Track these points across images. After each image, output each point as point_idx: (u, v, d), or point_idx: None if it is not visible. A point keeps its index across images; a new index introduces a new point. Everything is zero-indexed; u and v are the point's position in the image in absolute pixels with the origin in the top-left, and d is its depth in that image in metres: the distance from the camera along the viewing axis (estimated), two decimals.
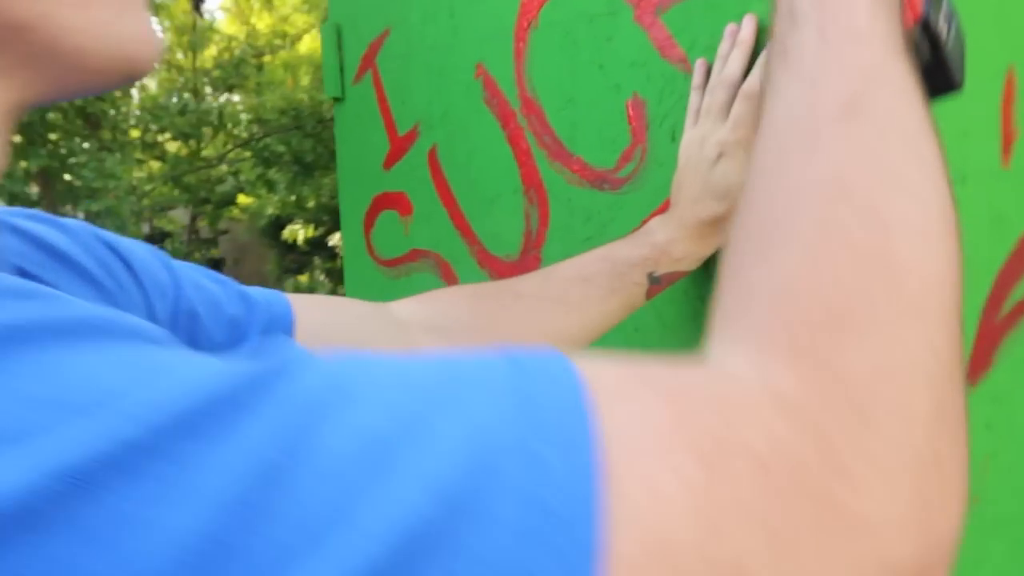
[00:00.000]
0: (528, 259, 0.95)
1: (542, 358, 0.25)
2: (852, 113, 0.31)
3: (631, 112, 0.80)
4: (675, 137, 0.75)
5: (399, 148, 1.14)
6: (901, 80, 0.33)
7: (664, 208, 0.74)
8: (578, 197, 0.87)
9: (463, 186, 1.03)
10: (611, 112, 0.81)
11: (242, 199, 2.89)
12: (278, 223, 3.01)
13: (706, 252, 0.70)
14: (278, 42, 2.59)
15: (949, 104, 0.70)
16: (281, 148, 2.33)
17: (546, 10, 0.87)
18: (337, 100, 1.26)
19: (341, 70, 1.25)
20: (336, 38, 1.23)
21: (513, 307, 0.67)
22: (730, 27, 0.67)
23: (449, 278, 1.07)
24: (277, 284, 3.19)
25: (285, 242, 2.97)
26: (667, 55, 0.76)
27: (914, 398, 0.26)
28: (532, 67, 0.90)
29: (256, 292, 0.59)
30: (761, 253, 0.30)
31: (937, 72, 0.46)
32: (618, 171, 0.82)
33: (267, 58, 2.39)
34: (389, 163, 1.17)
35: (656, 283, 0.69)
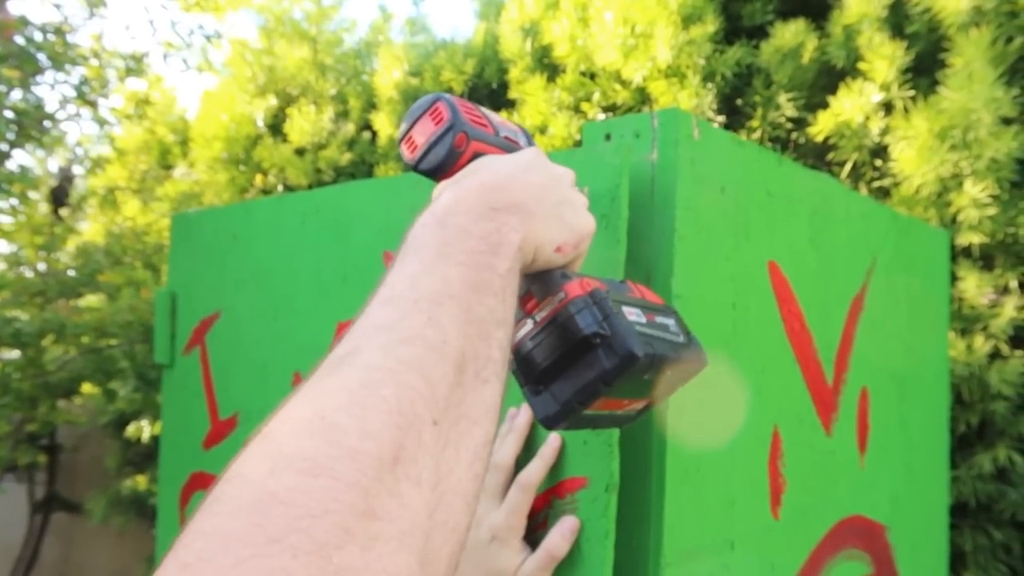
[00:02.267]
0: None
1: None
2: (336, 367, 0.38)
3: None
4: None
5: (219, 432, 1.12)
6: (408, 335, 0.39)
7: None
8: None
9: None
10: None
11: (87, 389, 2.74)
12: (123, 418, 2.86)
13: None
14: (147, 240, 2.58)
15: (715, 478, 0.75)
16: (125, 362, 2.24)
17: None
18: (166, 367, 1.24)
19: (173, 338, 1.23)
20: (170, 305, 1.23)
21: None
22: (511, 411, 0.71)
23: None
24: (116, 479, 2.99)
25: (128, 439, 2.81)
26: None
27: None
28: None
29: None
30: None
31: (614, 340, 0.49)
32: None
33: (127, 260, 2.35)
34: (209, 443, 1.14)
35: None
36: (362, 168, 2.80)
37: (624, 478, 0.66)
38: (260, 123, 2.98)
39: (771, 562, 0.83)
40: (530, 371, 0.51)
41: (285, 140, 2.92)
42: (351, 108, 2.86)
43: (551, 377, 0.51)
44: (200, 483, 1.16)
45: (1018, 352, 1.68)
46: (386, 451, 0.33)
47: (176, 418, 1.23)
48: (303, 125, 2.83)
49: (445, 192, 0.49)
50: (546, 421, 0.52)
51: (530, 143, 0.60)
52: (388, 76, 2.63)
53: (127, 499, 3.11)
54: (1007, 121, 1.56)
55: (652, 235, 0.68)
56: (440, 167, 0.54)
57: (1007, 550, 1.79)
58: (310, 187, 2.87)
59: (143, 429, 2.99)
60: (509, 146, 0.57)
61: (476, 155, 0.54)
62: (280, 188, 2.96)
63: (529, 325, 0.52)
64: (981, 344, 1.69)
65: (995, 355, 1.70)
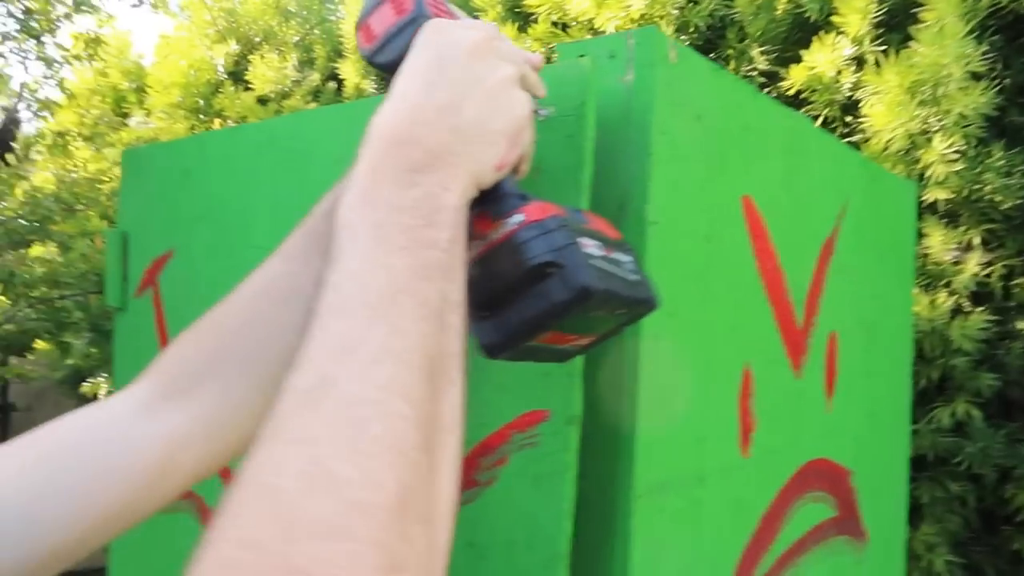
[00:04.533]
0: None
1: None
2: (308, 402, 0.36)
3: None
4: None
5: None
6: (378, 352, 0.37)
7: None
8: None
9: None
10: None
11: (40, 345, 2.64)
12: (79, 375, 2.77)
13: None
14: (100, 188, 2.48)
15: (686, 415, 0.74)
16: (79, 313, 2.16)
17: None
18: (118, 310, 1.19)
19: (125, 279, 1.18)
20: (122, 245, 1.18)
21: (252, 323, 0.55)
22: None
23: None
24: None
25: (84, 395, 2.72)
26: None
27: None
28: None
29: None
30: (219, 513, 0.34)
31: (566, 272, 0.45)
32: None
33: (80, 209, 2.25)
34: None
35: None
36: None
37: (594, 410, 0.64)
38: (221, 69, 2.89)
39: (739, 499, 0.83)
40: (477, 296, 0.47)
41: (247, 88, 2.83)
42: (316, 56, 2.78)
43: (499, 304, 0.48)
44: None
45: (979, 309, 1.70)
46: (393, 499, 0.33)
47: (130, 364, 1.18)
48: (266, 72, 2.75)
49: (360, 160, 0.44)
50: (488, 349, 0.49)
51: None
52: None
53: None
54: (976, 76, 1.56)
55: (626, 159, 0.65)
56: (397, 62, 0.49)
57: (963, 503, 1.83)
58: None
59: (100, 386, 2.92)
60: None
61: None
62: None
63: (479, 246, 0.48)
64: (944, 300, 1.71)
65: (957, 311, 1.72)
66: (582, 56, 0.68)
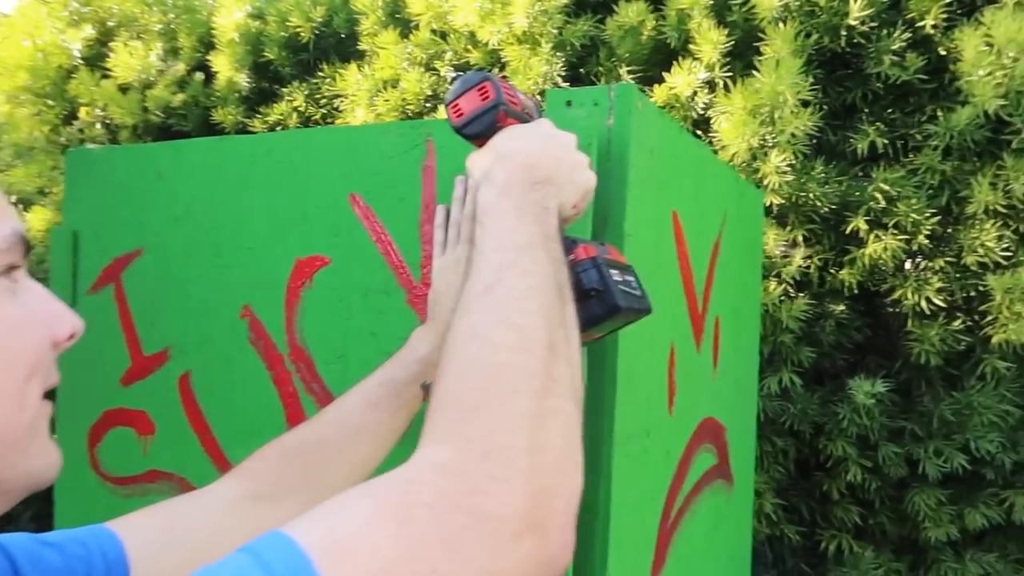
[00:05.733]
0: None
1: (269, 540, 0.39)
2: (486, 293, 0.54)
3: None
4: None
5: (143, 367, 1.15)
6: (526, 269, 0.56)
7: None
8: None
9: (221, 417, 1.07)
10: None
11: None
12: None
13: None
14: None
15: (641, 379, 0.95)
16: None
17: (321, 275, 0.99)
18: None
19: (74, 276, 1.22)
20: (72, 244, 1.22)
21: (322, 455, 0.77)
22: (459, 178, 0.85)
23: None
24: None
25: None
26: None
27: (515, 438, 0.46)
28: (304, 321, 1.00)
29: (85, 536, 0.61)
30: (439, 376, 0.51)
31: (605, 295, 0.68)
32: None
33: None
34: (129, 379, 1.17)
35: (429, 389, 0.81)
36: (195, 111, 2.70)
37: (587, 378, 0.83)
38: (77, 54, 2.77)
39: (667, 450, 1.05)
40: None
41: (105, 75, 2.73)
42: (182, 46, 2.74)
43: None
44: (118, 419, 1.18)
45: (802, 294, 2.07)
46: (547, 340, 0.52)
47: (83, 357, 1.22)
48: (128, 60, 2.68)
49: (495, 171, 0.64)
50: None
51: (540, 115, 0.75)
52: (229, 16, 2.55)
53: None
54: (805, 103, 1.90)
55: (608, 185, 0.84)
56: (481, 135, 0.69)
57: (785, 454, 2.21)
58: (136, 127, 2.72)
59: None
60: (527, 118, 0.71)
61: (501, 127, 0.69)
62: (99, 127, 2.78)
63: None
64: (775, 287, 2.05)
65: (785, 296, 2.07)
66: (569, 102, 0.87)
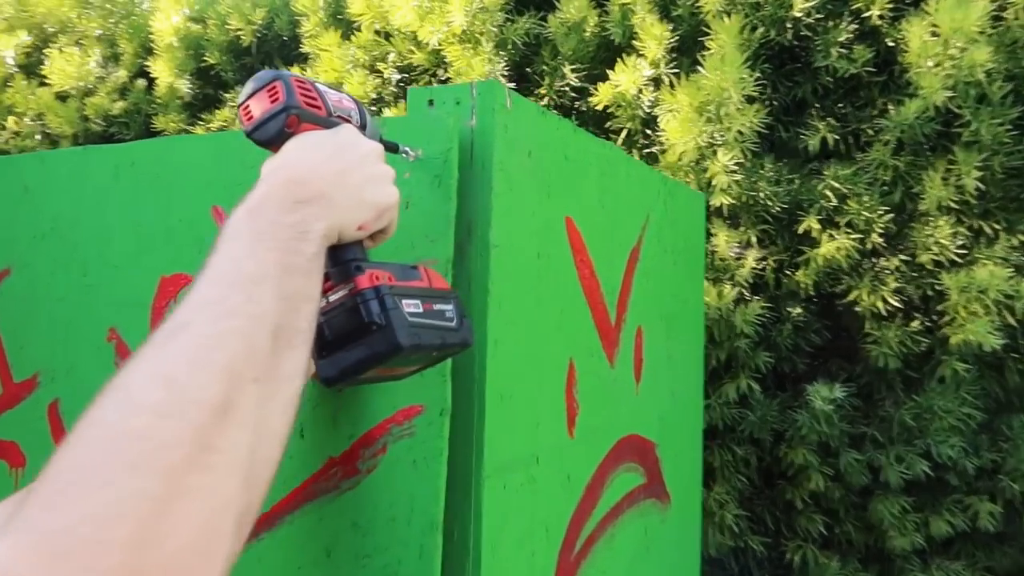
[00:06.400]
0: None
1: None
2: (169, 337, 0.45)
3: None
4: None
5: (13, 396, 1.07)
6: (231, 310, 0.47)
7: None
8: None
9: None
10: None
11: None
12: None
13: None
14: None
15: (524, 403, 0.87)
16: None
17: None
18: None
19: None
20: None
21: None
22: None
23: None
24: None
25: None
26: None
27: (112, 530, 0.37)
28: None
29: None
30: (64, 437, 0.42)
31: (387, 330, 0.60)
32: None
33: None
34: (0, 409, 1.09)
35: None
36: (137, 118, 2.63)
37: (454, 404, 0.75)
38: (11, 61, 2.69)
39: (567, 474, 0.97)
40: (319, 340, 0.60)
41: (43, 83, 2.66)
42: (123, 51, 2.66)
43: (335, 348, 0.61)
44: None
45: (757, 297, 2.00)
46: (218, 401, 0.43)
47: None
48: (65, 67, 2.60)
49: (258, 186, 0.56)
50: (325, 381, 0.62)
51: (363, 120, 0.67)
52: (167, 20, 2.48)
53: None
54: (751, 99, 1.83)
55: (472, 192, 0.77)
56: (271, 141, 0.61)
57: (747, 463, 2.13)
58: (76, 135, 2.64)
59: None
60: (332, 123, 0.63)
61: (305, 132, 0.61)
62: (39, 137, 2.70)
63: (323, 303, 0.61)
64: (729, 291, 1.98)
65: (740, 300, 2.00)
66: (431, 101, 0.79)
